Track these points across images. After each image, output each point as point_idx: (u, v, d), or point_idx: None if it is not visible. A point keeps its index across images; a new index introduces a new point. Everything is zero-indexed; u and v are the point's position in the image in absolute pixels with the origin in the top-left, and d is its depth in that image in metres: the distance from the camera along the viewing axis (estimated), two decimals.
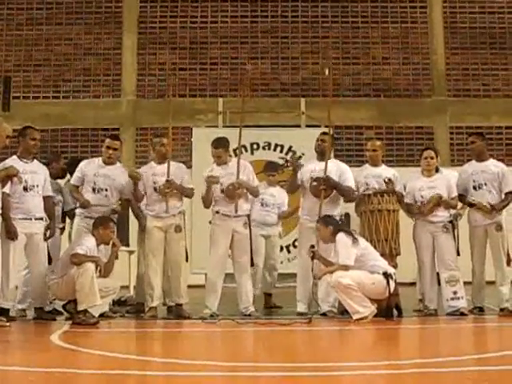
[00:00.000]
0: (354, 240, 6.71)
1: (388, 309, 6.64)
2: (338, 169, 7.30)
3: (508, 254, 7.13)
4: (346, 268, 6.60)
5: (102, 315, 6.82)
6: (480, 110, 13.52)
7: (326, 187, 7.10)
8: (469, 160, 7.69)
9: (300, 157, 7.91)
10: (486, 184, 7.23)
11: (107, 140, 7.37)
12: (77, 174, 7.26)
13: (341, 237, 6.74)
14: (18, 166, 6.76)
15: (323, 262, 6.85)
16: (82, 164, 7.35)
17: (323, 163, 7.18)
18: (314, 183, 7.15)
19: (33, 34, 13.86)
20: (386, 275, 6.60)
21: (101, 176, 7.18)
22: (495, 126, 13.42)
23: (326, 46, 7.88)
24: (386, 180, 7.25)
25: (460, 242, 7.45)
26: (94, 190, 7.15)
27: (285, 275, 9.80)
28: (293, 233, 9.55)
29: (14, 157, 6.90)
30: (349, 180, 7.24)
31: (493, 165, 7.34)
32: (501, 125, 13.50)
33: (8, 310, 6.68)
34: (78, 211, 7.24)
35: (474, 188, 7.28)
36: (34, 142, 6.93)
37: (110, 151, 7.24)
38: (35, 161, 7.01)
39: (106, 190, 7.16)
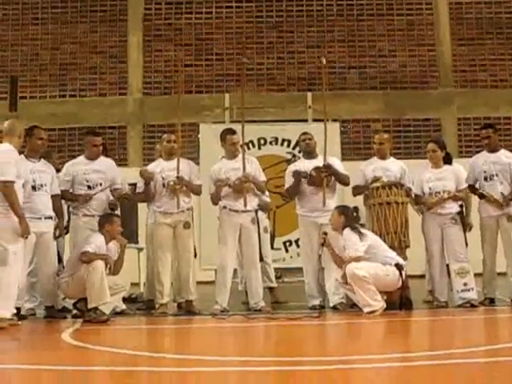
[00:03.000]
0: (361, 235, 6.74)
1: (404, 300, 6.68)
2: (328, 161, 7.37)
3: None
4: (358, 259, 6.62)
5: (120, 313, 6.89)
6: (487, 101, 13.45)
7: (328, 174, 7.19)
8: (477, 151, 7.66)
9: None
10: (497, 175, 7.21)
11: (89, 137, 7.35)
12: (64, 178, 7.20)
13: (346, 233, 6.79)
14: (25, 165, 6.77)
15: (332, 252, 6.87)
16: (68, 166, 7.33)
17: (312, 161, 7.33)
18: (313, 173, 7.21)
19: (38, 33, 13.87)
20: (399, 266, 6.63)
21: (92, 172, 7.18)
22: (503, 116, 13.35)
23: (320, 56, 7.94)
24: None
25: (470, 233, 7.43)
26: (88, 187, 7.15)
27: (295, 270, 9.79)
28: None
29: (22, 156, 6.90)
30: (341, 169, 7.41)
31: (504, 155, 7.32)
32: (509, 115, 13.43)
33: (19, 308, 6.71)
34: (73, 210, 7.20)
35: (485, 179, 7.26)
36: (41, 141, 6.94)
37: (95, 148, 7.26)
38: (42, 160, 7.02)
39: (101, 184, 7.17)
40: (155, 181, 7.20)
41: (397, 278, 6.63)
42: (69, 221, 7.40)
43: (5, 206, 6.15)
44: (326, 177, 7.18)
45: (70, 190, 7.21)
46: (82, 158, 7.36)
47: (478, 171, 7.32)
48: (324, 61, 7.99)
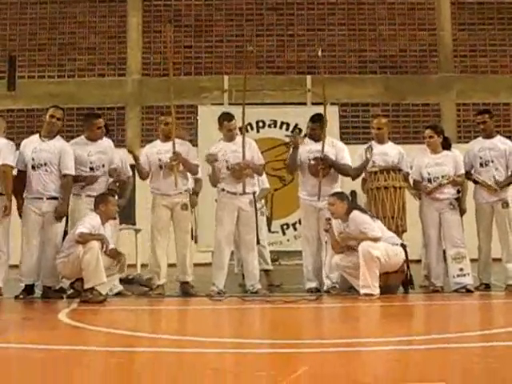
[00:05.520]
0: (371, 215, 6.80)
1: (407, 281, 6.79)
2: (334, 148, 7.30)
3: None
4: (377, 239, 6.64)
5: (117, 294, 6.93)
6: (487, 87, 13.43)
7: (324, 166, 7.13)
8: (476, 137, 7.66)
9: (304, 135, 7.84)
10: (492, 161, 7.22)
11: (93, 120, 7.24)
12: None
13: (357, 215, 6.77)
14: (33, 143, 6.85)
15: (332, 237, 6.87)
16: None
17: (319, 143, 7.21)
18: (312, 163, 7.18)
19: (37, 13, 13.79)
20: (403, 246, 6.74)
21: (95, 154, 7.11)
22: (503, 102, 13.33)
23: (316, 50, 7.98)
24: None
25: (466, 218, 7.44)
26: (91, 169, 7.09)
27: (292, 253, 9.82)
28: (299, 211, 9.57)
29: (37, 135, 7.03)
30: (345, 158, 7.28)
31: (500, 142, 7.33)
32: (509, 101, 13.42)
33: (32, 286, 6.84)
34: (74, 191, 7.09)
35: (481, 165, 7.27)
36: (52, 119, 6.94)
37: (99, 131, 7.19)
38: (54, 140, 6.97)
39: (103, 165, 7.12)
40: (150, 161, 7.18)
41: (402, 257, 6.72)
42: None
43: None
44: (322, 169, 7.14)
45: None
46: (83, 139, 7.24)
47: (473, 157, 7.32)
48: (320, 53, 7.96)
